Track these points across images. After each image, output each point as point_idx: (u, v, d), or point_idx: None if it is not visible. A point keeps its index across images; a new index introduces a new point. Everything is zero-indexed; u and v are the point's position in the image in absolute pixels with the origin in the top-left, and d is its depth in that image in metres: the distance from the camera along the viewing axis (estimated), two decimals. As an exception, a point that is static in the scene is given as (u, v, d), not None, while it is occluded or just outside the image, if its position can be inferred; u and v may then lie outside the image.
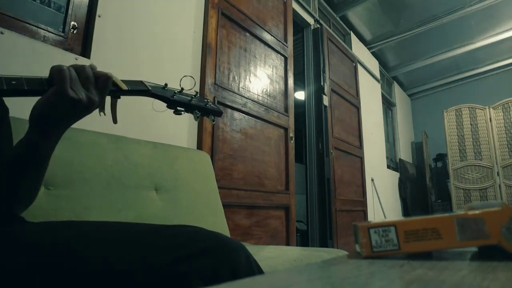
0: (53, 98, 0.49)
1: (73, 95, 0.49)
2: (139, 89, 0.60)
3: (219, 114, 0.73)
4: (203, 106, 0.69)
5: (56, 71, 0.49)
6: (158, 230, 0.46)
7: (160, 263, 0.40)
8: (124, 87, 0.57)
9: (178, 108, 0.66)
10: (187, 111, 0.68)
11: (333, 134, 3.11)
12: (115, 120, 0.58)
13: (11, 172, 0.52)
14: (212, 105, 0.71)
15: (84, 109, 0.52)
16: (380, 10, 4.04)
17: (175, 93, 0.65)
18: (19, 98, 0.49)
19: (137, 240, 0.44)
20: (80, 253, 0.41)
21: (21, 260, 0.40)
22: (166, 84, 0.65)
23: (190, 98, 0.67)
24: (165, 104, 0.65)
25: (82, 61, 1.31)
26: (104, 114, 0.56)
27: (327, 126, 3.02)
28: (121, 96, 0.59)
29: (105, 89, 0.54)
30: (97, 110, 0.56)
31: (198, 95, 0.70)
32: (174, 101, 0.65)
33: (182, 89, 0.67)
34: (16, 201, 0.54)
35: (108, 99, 0.57)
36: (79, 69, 0.51)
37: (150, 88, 0.62)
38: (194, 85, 0.79)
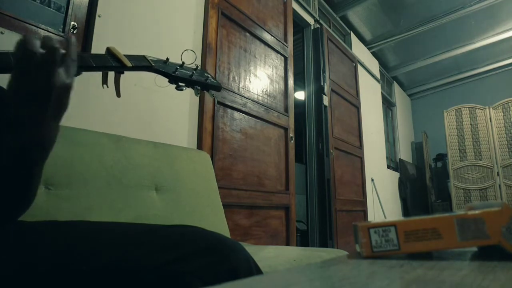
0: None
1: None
2: (142, 65, 0.62)
3: (218, 89, 0.75)
4: (204, 81, 0.71)
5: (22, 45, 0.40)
6: (157, 230, 0.46)
7: (159, 263, 0.40)
8: (128, 63, 0.57)
9: (180, 83, 0.68)
10: (188, 86, 0.70)
11: (333, 134, 3.11)
12: (118, 94, 0.59)
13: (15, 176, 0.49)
14: (212, 80, 0.73)
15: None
16: (380, 10, 4.04)
17: (177, 68, 0.67)
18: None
19: (135, 240, 0.44)
20: (77, 253, 0.41)
21: (17, 260, 0.40)
22: (167, 59, 0.67)
23: (191, 73, 0.69)
24: (167, 80, 0.67)
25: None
26: (107, 87, 0.57)
27: (327, 126, 3.02)
28: (125, 72, 0.60)
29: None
30: (100, 83, 0.56)
31: (199, 68, 0.72)
32: (176, 77, 0.66)
33: (183, 63, 0.69)
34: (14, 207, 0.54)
35: (112, 74, 0.58)
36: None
37: (153, 64, 0.63)
38: (195, 59, 0.81)
